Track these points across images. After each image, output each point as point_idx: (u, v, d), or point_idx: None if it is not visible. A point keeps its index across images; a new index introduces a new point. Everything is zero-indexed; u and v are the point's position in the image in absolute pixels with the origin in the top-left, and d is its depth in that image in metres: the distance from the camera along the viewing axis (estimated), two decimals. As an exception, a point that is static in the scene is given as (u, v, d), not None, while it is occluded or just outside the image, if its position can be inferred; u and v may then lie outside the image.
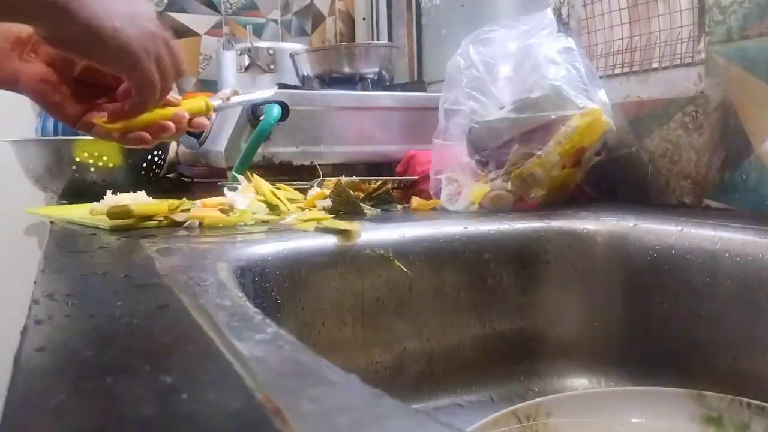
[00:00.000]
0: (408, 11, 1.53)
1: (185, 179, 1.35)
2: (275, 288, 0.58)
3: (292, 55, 1.25)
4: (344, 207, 0.75)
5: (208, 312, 0.35)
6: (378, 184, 0.82)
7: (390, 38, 1.59)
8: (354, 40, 1.70)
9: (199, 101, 0.64)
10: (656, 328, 0.64)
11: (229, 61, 1.55)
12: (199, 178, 1.38)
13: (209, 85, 1.93)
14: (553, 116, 0.78)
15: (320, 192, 0.79)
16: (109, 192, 0.82)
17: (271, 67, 1.50)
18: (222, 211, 0.71)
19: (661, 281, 0.64)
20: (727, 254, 0.58)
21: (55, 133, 1.61)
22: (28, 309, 0.36)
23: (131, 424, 0.21)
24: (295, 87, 1.14)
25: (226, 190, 0.77)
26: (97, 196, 0.98)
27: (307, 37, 1.91)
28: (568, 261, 0.70)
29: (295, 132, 0.98)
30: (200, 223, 0.68)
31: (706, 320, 0.60)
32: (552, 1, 0.98)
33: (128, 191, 1.01)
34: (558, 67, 0.79)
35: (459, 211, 0.80)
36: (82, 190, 1.05)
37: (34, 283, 0.44)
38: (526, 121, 0.79)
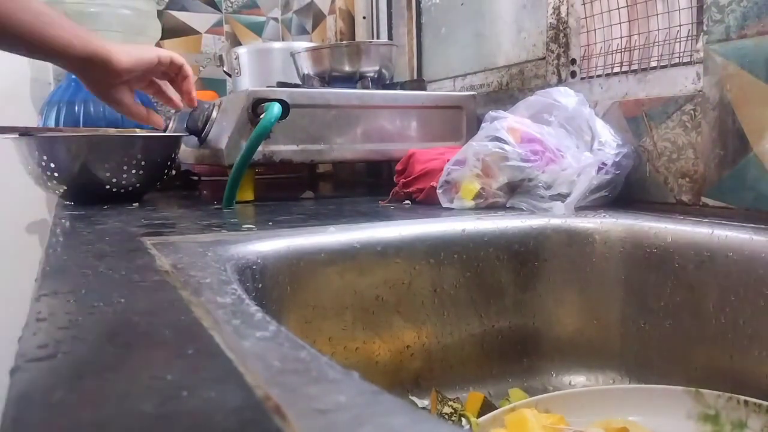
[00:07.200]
0: (408, 10, 1.53)
1: (193, 178, 1.35)
2: (275, 285, 0.58)
3: (292, 54, 1.25)
4: None
5: (208, 309, 0.35)
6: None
7: (390, 37, 1.59)
8: (354, 39, 1.70)
9: None
10: (654, 326, 0.65)
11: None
12: (205, 176, 1.38)
13: (210, 84, 1.93)
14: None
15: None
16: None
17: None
18: None
19: (658, 279, 0.64)
20: (725, 252, 0.58)
21: (56, 131, 1.61)
22: (30, 306, 0.37)
23: (131, 421, 0.22)
24: (295, 85, 1.14)
25: None
26: (108, 199, 0.96)
27: (308, 35, 1.90)
28: (566, 259, 0.70)
29: (295, 130, 0.98)
30: None
31: (704, 318, 0.60)
32: (551, 0, 0.98)
33: (141, 193, 0.99)
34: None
35: (455, 208, 0.80)
36: (89, 192, 0.97)
37: (36, 280, 0.44)
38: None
